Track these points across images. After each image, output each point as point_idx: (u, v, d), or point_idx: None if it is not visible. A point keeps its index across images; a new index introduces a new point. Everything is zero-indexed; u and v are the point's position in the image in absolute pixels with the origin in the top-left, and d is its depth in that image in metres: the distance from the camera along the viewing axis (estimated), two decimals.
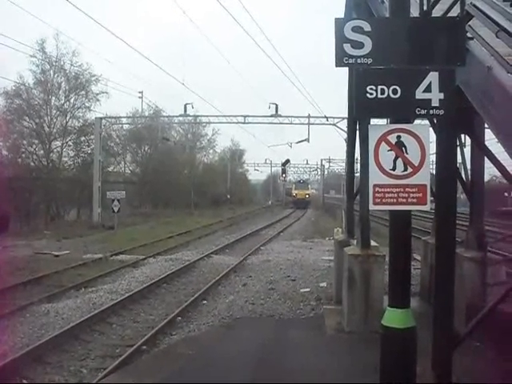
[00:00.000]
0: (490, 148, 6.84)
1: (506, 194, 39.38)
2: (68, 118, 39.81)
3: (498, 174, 7.57)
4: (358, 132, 10.36)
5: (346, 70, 9.61)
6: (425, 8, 5.96)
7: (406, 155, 4.81)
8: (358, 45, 4.84)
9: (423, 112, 4.81)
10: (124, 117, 43.69)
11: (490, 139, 7.11)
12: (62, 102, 39.69)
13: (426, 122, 6.44)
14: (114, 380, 7.29)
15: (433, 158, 5.66)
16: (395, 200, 4.83)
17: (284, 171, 74.32)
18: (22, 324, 10.15)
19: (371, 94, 4.79)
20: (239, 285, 14.31)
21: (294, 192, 79.05)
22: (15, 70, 55.44)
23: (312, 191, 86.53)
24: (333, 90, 64.86)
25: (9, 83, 36.46)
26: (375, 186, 4.85)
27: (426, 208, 4.95)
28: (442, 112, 4.77)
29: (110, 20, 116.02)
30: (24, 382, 7.48)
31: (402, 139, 4.82)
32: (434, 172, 5.79)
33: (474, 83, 5.31)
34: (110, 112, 41.69)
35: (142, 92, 42.61)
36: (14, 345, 8.88)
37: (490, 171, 13.29)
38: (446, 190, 5.60)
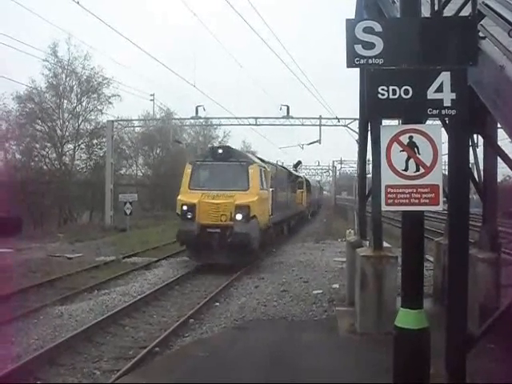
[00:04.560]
0: (503, 148, 6.80)
1: None
2: (80, 121, 40.18)
3: None
4: (369, 133, 10.33)
5: (357, 70, 9.61)
6: (436, 8, 5.93)
7: (418, 156, 4.80)
8: (369, 45, 4.84)
9: (435, 112, 4.79)
10: (136, 119, 43.86)
11: (503, 139, 7.08)
12: (74, 105, 40.10)
13: (438, 122, 6.42)
14: (128, 381, 7.32)
15: (445, 158, 5.64)
16: (408, 200, 4.82)
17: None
18: (35, 326, 10.20)
19: (383, 94, 4.79)
20: (251, 287, 14.30)
21: (185, 199, 17.61)
22: (28, 74, 55.96)
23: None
24: (344, 91, 64.60)
25: (21, 87, 36.86)
26: (387, 186, 4.85)
27: (439, 208, 4.93)
28: (454, 112, 4.75)
29: (120, 22, 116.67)
30: (38, 383, 7.52)
31: (414, 140, 4.81)
32: (447, 173, 5.77)
33: (486, 83, 5.28)
34: (121, 115, 42.02)
35: (153, 94, 42.84)
36: (29, 346, 8.94)
37: (503, 171, 13.20)
38: (458, 191, 5.58)
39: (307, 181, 44.40)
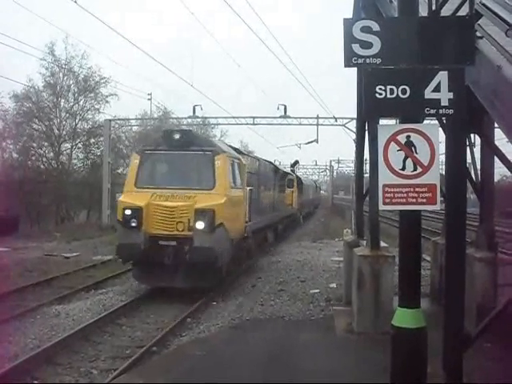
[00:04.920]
0: (500, 148, 6.82)
1: None
2: (77, 120, 40.08)
3: (509, 173, 7.55)
4: (367, 132, 10.34)
5: (355, 70, 9.61)
6: (433, 7, 5.94)
7: (416, 155, 4.81)
8: (367, 45, 4.85)
9: (432, 112, 4.81)
10: (133, 118, 43.80)
11: (500, 139, 7.10)
12: (72, 104, 40.00)
13: (436, 121, 6.43)
14: (125, 381, 7.31)
15: (442, 157, 5.66)
16: (405, 200, 4.82)
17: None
18: (32, 325, 10.19)
19: (380, 94, 4.79)
20: (248, 286, 14.30)
21: (128, 201, 13.29)
22: (25, 73, 55.97)
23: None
24: (342, 91, 64.44)
25: (19, 86, 36.83)
26: (385, 186, 4.85)
27: (436, 208, 4.94)
28: (451, 112, 4.76)
29: (117, 21, 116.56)
30: (35, 382, 7.52)
31: (411, 139, 4.82)
32: (444, 172, 5.78)
33: (483, 82, 5.30)
34: (119, 114, 41.87)
35: (150, 94, 42.83)
36: (25, 346, 8.93)
37: (500, 171, 13.25)
38: (455, 190, 5.58)
39: (299, 178, 39.54)
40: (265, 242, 21.49)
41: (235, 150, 16.79)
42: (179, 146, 13.53)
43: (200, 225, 12.34)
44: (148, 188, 13.28)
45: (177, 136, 13.63)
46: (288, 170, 36.63)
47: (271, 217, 22.12)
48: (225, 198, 12.95)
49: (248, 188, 15.51)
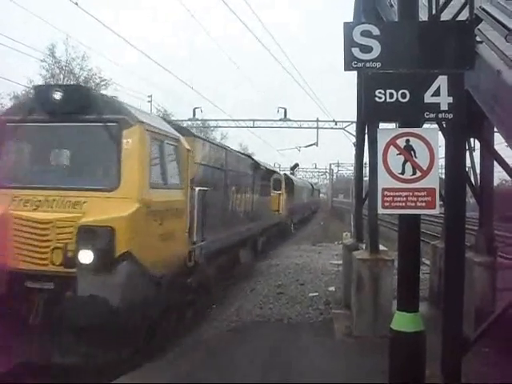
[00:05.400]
0: (499, 152, 6.83)
1: None
2: None
3: (508, 177, 7.55)
4: (366, 136, 10.35)
5: (355, 73, 9.64)
6: (433, 12, 5.96)
7: (415, 159, 4.83)
8: (367, 49, 4.87)
9: (432, 116, 4.82)
10: None
11: (500, 143, 7.12)
12: None
13: (435, 125, 6.44)
14: (124, 382, 7.30)
15: (442, 161, 5.66)
16: (404, 204, 4.84)
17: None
18: None
19: (380, 97, 4.81)
20: (247, 289, 14.27)
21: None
22: (25, 74, 55.82)
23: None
24: (341, 92, 64.33)
25: (19, 87, 36.85)
26: (384, 189, 4.86)
27: (435, 212, 4.95)
28: (450, 116, 4.77)
29: (116, 22, 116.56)
30: (38, 383, 7.50)
31: (410, 143, 4.83)
32: (443, 176, 5.78)
33: (483, 87, 5.31)
34: None
35: (150, 96, 42.87)
36: None
37: (499, 175, 13.25)
38: (455, 194, 5.59)
39: (289, 179, 32.07)
40: (237, 264, 15.58)
41: (178, 129, 10.10)
42: (62, 114, 7.82)
43: (86, 256, 6.96)
44: (6, 188, 7.74)
45: (57, 96, 7.79)
46: (278, 169, 33.02)
47: (246, 229, 16.12)
48: (137, 206, 7.42)
49: (197, 189, 9.80)
